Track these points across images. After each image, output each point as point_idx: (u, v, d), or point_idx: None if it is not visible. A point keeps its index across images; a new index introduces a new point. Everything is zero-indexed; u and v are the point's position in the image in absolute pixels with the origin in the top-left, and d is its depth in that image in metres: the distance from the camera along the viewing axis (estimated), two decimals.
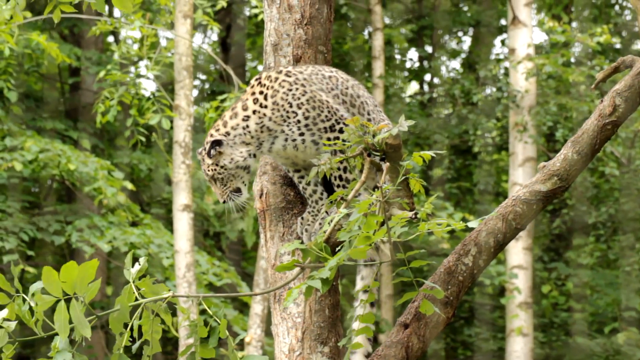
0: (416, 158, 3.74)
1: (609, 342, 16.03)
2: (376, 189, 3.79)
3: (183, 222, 10.97)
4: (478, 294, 17.54)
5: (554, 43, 15.95)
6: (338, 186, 4.37)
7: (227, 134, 4.42)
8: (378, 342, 14.24)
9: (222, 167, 4.41)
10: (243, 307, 16.13)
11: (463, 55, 19.86)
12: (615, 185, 16.19)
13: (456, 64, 20.42)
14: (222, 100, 11.12)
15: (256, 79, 4.49)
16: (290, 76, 4.41)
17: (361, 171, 3.87)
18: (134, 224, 13.83)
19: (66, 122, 15.77)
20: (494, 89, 16.18)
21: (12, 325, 3.51)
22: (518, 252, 14.74)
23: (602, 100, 4.16)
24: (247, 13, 18.53)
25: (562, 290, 17.53)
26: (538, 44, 17.24)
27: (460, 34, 20.07)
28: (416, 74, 20.00)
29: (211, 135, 4.45)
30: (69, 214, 14.01)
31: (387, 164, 3.80)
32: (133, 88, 11.16)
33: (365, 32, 19.39)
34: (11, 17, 8.67)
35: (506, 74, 16.48)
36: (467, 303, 17.53)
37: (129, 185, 13.10)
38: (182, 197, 10.95)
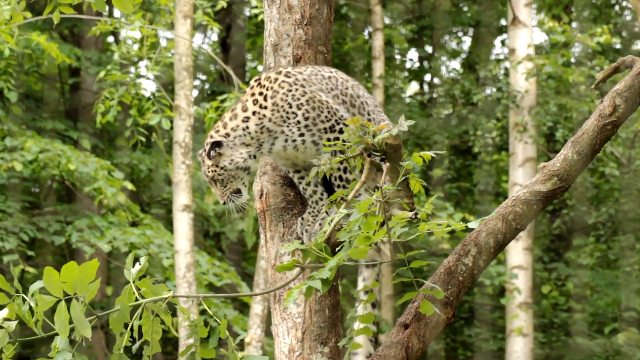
0: (416, 158, 3.74)
1: (609, 342, 16.03)
2: (376, 190, 3.79)
3: (183, 222, 10.97)
4: (478, 294, 17.54)
5: (554, 43, 15.95)
6: (338, 186, 4.37)
7: (227, 135, 4.42)
8: (378, 342, 14.23)
9: (222, 168, 4.41)
10: (243, 308, 16.13)
11: (463, 56, 19.87)
12: (615, 186, 16.19)
13: (456, 64, 20.43)
14: (222, 101, 11.12)
15: (255, 80, 4.49)
16: (289, 77, 4.41)
17: (361, 171, 3.87)
18: (134, 224, 13.83)
19: (66, 122, 15.77)
20: (494, 89, 16.17)
21: (13, 325, 3.51)
22: (518, 253, 14.74)
23: (602, 101, 4.16)
24: (247, 13, 18.53)
25: (562, 290, 17.53)
26: (538, 44, 17.24)
27: (460, 34, 20.07)
28: (416, 74, 20.00)
29: (211, 137, 4.45)
30: (69, 214, 14.01)
31: (387, 164, 3.80)
32: (133, 88, 11.16)
33: (365, 33, 19.40)
34: (11, 18, 8.67)
35: (506, 74, 16.48)
36: (467, 303, 17.53)
37: (129, 186, 13.10)
38: (182, 197, 10.95)
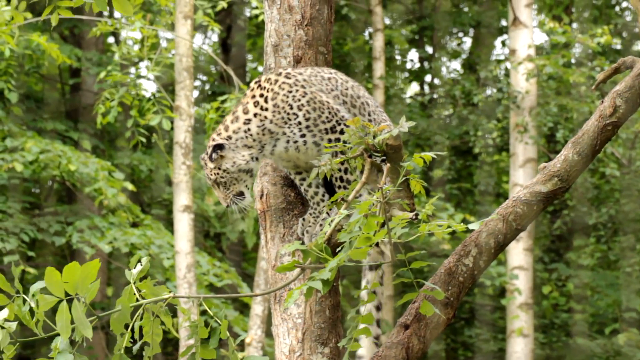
0: (417, 159, 3.74)
1: (610, 343, 16.02)
2: (377, 190, 3.79)
3: (183, 223, 10.97)
4: (478, 295, 17.54)
5: (554, 44, 15.95)
6: (339, 187, 4.37)
7: (229, 137, 4.41)
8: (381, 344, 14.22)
9: (224, 170, 4.40)
10: (243, 308, 16.13)
11: (463, 56, 19.86)
12: (616, 186, 16.18)
13: (457, 64, 20.43)
14: (223, 101, 11.12)
15: (256, 82, 4.48)
16: (290, 78, 4.41)
17: (362, 172, 3.87)
18: (134, 225, 13.83)
19: (67, 123, 15.78)
20: (495, 90, 16.17)
21: (13, 326, 3.51)
22: (519, 253, 14.74)
23: (602, 101, 4.16)
24: (248, 14, 18.54)
25: (563, 291, 17.53)
26: (539, 44, 17.24)
27: (460, 34, 20.07)
28: (417, 75, 20.00)
29: (213, 140, 4.44)
30: (69, 215, 14.01)
31: (388, 164, 3.80)
32: (133, 89, 11.16)
33: (366, 33, 19.40)
34: (12, 18, 8.67)
35: (507, 75, 16.48)
36: (467, 304, 17.53)
37: (130, 186, 13.10)
38: (182, 198, 10.95)
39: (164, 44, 11.98)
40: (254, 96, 4.43)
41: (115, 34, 16.85)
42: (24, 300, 3.52)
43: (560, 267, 17.21)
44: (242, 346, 12.36)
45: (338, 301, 4.48)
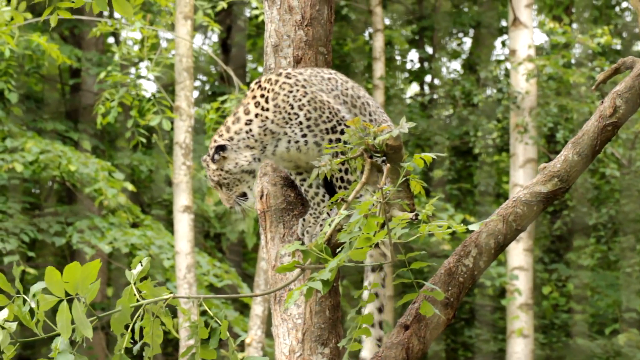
0: (417, 160, 3.74)
1: (610, 343, 16.02)
2: (377, 190, 3.79)
3: (183, 223, 10.97)
4: (479, 296, 17.54)
5: (554, 44, 15.95)
6: (340, 187, 4.37)
7: (231, 139, 4.41)
8: None
9: (227, 171, 4.39)
10: (244, 308, 16.13)
11: (464, 57, 19.86)
12: (616, 187, 16.18)
13: (457, 65, 20.43)
14: (223, 102, 11.12)
15: (256, 83, 4.48)
16: (290, 78, 4.41)
17: (362, 173, 3.87)
18: (134, 225, 13.83)
19: (67, 123, 15.78)
20: (495, 90, 16.17)
21: (14, 326, 3.51)
22: (519, 254, 14.74)
23: (602, 102, 4.16)
24: (248, 14, 18.54)
25: (563, 291, 17.52)
26: (539, 45, 17.24)
27: (460, 35, 20.07)
28: (417, 75, 20.00)
29: (215, 141, 4.43)
30: (69, 215, 14.01)
31: (388, 165, 3.80)
32: (133, 89, 11.16)
33: (366, 33, 19.40)
34: (12, 19, 8.68)
35: (507, 75, 16.48)
36: (467, 304, 17.53)
37: (130, 187, 13.10)
38: (182, 199, 10.95)
39: (164, 44, 11.99)
40: (254, 97, 4.43)
41: (115, 34, 16.85)
42: (24, 301, 3.52)
43: (560, 267, 17.21)
44: (242, 346, 12.36)
45: (338, 302, 4.48)
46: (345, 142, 3.99)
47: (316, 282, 3.54)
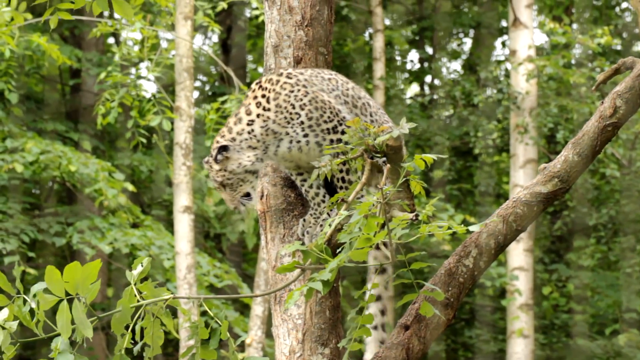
0: (418, 161, 3.74)
1: (610, 343, 16.02)
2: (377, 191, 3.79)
3: (184, 223, 10.97)
4: (479, 296, 17.54)
5: (554, 45, 15.95)
6: (341, 188, 4.37)
7: (233, 139, 4.41)
8: None
9: (230, 172, 4.40)
10: (244, 309, 16.13)
11: (464, 57, 19.87)
12: (616, 187, 16.18)
13: (457, 65, 20.43)
14: (223, 102, 11.12)
15: (257, 83, 4.48)
16: (291, 78, 4.41)
17: (363, 173, 3.87)
18: (134, 226, 13.83)
19: (67, 124, 15.78)
20: (495, 91, 16.18)
21: (14, 326, 3.51)
22: (519, 254, 14.74)
23: (602, 102, 4.16)
24: (248, 14, 18.54)
25: (563, 291, 17.52)
26: (539, 45, 17.24)
27: (461, 35, 20.07)
28: (417, 76, 20.00)
29: (217, 142, 4.43)
30: (69, 216, 14.01)
31: (388, 165, 3.80)
32: (134, 89, 11.16)
33: (366, 34, 19.40)
34: (12, 19, 8.68)
35: (507, 76, 16.48)
36: (467, 305, 17.53)
37: (130, 187, 13.10)
38: (182, 199, 10.96)
39: (164, 44, 11.99)
40: (255, 97, 4.44)
41: (115, 34, 16.85)
42: (25, 301, 3.52)
43: (560, 267, 17.21)
44: (242, 347, 12.36)
45: (338, 302, 4.48)
46: (346, 143, 3.99)
47: (316, 282, 3.54)
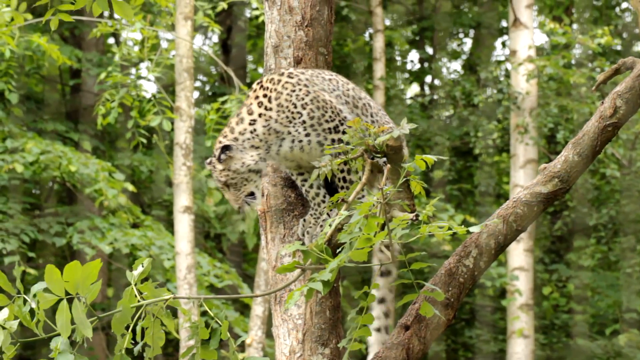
0: (419, 162, 3.74)
1: (610, 343, 16.02)
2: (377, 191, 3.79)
3: (184, 223, 10.97)
4: (479, 296, 17.54)
5: (554, 45, 15.95)
6: (342, 188, 4.38)
7: (236, 139, 4.41)
8: None
9: (234, 171, 4.40)
10: (244, 309, 16.13)
11: (464, 57, 19.86)
12: (616, 187, 16.18)
13: (457, 65, 20.43)
14: (223, 102, 11.13)
15: (258, 83, 4.49)
16: (292, 77, 4.42)
17: (363, 173, 3.87)
18: (135, 226, 13.83)
19: (67, 124, 15.78)
20: (495, 91, 16.17)
21: (15, 325, 3.51)
22: (519, 254, 14.73)
23: (602, 102, 4.16)
24: (248, 15, 18.54)
25: (563, 292, 17.52)
26: (539, 45, 17.24)
27: (461, 35, 20.07)
28: (417, 76, 20.00)
29: (220, 142, 4.43)
30: (70, 216, 14.01)
31: (388, 165, 3.80)
32: (134, 90, 11.16)
33: (366, 34, 19.40)
34: (12, 19, 8.68)
35: (507, 76, 16.48)
36: (468, 305, 17.52)
37: (130, 187, 13.10)
38: (182, 199, 10.96)
39: (164, 44, 11.99)
40: (257, 97, 4.44)
41: (115, 35, 16.86)
42: (25, 301, 3.52)
43: (560, 268, 17.20)
44: (242, 347, 12.36)
45: (338, 302, 4.48)
46: (346, 143, 3.99)
47: (317, 282, 3.54)
